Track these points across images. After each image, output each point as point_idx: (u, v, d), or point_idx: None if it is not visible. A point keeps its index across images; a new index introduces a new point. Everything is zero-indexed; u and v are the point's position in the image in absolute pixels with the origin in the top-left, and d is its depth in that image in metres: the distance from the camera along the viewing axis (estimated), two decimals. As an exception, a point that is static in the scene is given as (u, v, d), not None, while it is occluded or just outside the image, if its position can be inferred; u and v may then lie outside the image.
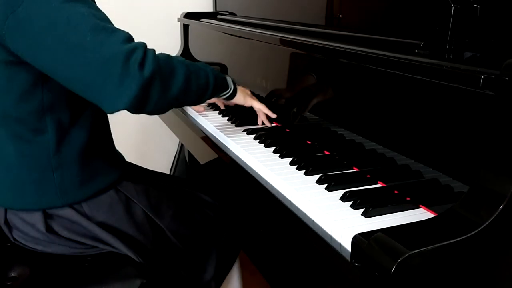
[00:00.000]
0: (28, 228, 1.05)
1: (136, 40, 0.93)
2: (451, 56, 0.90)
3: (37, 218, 1.04)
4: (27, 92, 0.98)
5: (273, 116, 1.35)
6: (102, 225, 1.06)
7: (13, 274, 1.03)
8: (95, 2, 1.01)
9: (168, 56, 0.99)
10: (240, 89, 1.26)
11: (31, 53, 0.92)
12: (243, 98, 1.28)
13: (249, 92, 1.32)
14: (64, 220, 1.05)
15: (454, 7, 0.89)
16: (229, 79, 1.21)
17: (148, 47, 0.93)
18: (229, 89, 1.20)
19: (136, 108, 0.91)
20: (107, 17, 0.95)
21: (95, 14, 0.91)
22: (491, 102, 0.72)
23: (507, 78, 0.68)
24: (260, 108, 1.33)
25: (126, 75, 0.86)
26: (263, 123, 1.37)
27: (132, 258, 1.05)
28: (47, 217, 1.05)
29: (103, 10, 0.96)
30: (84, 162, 1.05)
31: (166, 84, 0.94)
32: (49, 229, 1.05)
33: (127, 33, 0.93)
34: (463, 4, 0.88)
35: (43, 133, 1.01)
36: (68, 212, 1.05)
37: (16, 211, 1.06)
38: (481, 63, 0.79)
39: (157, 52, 0.95)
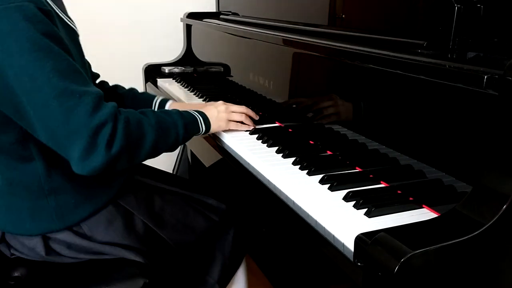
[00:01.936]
0: (27, 250, 1.03)
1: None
2: (454, 56, 0.90)
3: (36, 243, 1.02)
4: (3, 124, 0.92)
5: (255, 117, 1.33)
6: (103, 241, 1.04)
7: (16, 274, 1.03)
8: (60, 40, 0.88)
9: (138, 121, 0.94)
10: (213, 120, 1.18)
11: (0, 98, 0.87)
12: (223, 125, 1.23)
13: (223, 116, 1.23)
14: (64, 242, 1.03)
15: (458, 7, 0.88)
16: (200, 121, 1.14)
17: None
18: (201, 131, 1.15)
19: (99, 173, 0.88)
20: (75, 67, 0.87)
21: (62, 71, 0.84)
22: (494, 102, 0.72)
23: (510, 78, 0.68)
24: (241, 119, 1.28)
25: (92, 151, 0.84)
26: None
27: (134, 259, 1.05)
28: (47, 239, 1.02)
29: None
30: (78, 184, 1.01)
31: (132, 155, 0.92)
32: (49, 252, 1.03)
33: (97, 94, 0.87)
34: (467, 4, 0.88)
35: (30, 160, 0.97)
36: (67, 235, 1.02)
37: (14, 235, 1.03)
38: (484, 63, 0.78)
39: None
